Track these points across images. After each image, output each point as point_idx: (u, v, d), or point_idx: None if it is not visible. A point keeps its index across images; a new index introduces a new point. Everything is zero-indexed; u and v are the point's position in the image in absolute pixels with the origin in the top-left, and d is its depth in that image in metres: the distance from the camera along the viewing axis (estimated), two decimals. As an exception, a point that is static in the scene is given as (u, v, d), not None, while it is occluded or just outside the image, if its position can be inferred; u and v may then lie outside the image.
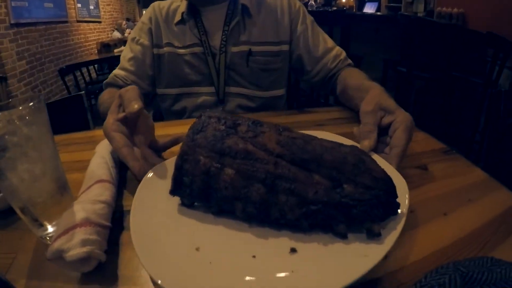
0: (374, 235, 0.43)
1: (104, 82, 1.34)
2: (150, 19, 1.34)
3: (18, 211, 0.55)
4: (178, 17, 1.29)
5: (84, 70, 5.49)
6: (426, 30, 3.65)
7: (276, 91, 1.36)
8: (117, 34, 8.07)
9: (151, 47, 1.32)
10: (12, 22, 5.02)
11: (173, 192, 0.54)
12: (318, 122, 1.02)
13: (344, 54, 1.32)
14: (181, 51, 1.28)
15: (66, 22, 7.01)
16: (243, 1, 1.26)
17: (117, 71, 1.32)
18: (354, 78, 1.12)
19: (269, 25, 1.29)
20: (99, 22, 8.97)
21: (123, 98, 0.68)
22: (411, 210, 0.50)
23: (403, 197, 0.48)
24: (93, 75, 6.13)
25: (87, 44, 8.01)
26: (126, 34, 8.00)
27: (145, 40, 1.32)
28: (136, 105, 0.64)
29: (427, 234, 0.50)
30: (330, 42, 1.34)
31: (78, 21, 7.58)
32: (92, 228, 0.49)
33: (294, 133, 0.55)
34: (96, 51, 5.99)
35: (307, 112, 1.15)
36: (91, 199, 0.56)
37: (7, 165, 0.50)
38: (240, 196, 0.48)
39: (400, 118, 0.69)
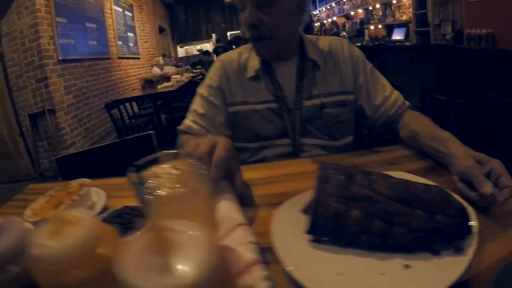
0: (459, 250, 0.59)
1: (179, 128, 1.39)
2: (220, 77, 1.37)
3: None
4: (251, 73, 1.32)
5: (127, 104, 5.65)
6: (460, 57, 3.67)
7: (347, 139, 1.39)
8: (157, 70, 8.36)
9: (224, 106, 1.36)
10: (60, 58, 5.25)
11: (310, 232, 0.67)
12: (389, 161, 1.10)
13: (401, 98, 1.35)
14: (257, 107, 1.32)
15: (109, 58, 7.33)
16: (312, 55, 1.30)
17: (190, 123, 1.37)
18: (421, 125, 1.16)
19: (335, 76, 1.32)
20: (138, 58, 9.42)
21: (216, 146, 0.81)
22: (480, 230, 0.64)
23: (474, 221, 0.65)
24: (135, 109, 6.33)
25: (128, 79, 8.38)
26: (164, 70, 8.25)
27: (216, 100, 1.36)
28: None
29: (493, 246, 0.64)
30: (388, 88, 1.36)
31: (119, 58, 7.95)
32: (262, 265, 0.57)
33: (395, 179, 0.71)
34: (140, 87, 6.18)
35: (375, 152, 1.21)
36: (243, 241, 0.64)
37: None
38: (365, 230, 0.63)
39: (497, 165, 0.79)
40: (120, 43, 8.04)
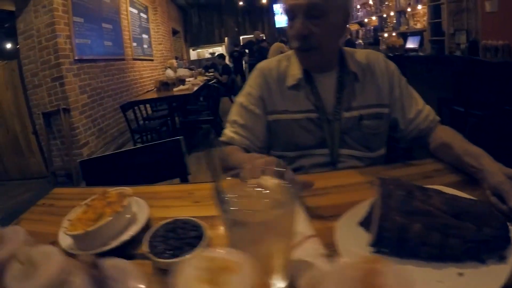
0: (503, 259, 0.65)
1: (222, 140, 1.38)
2: (260, 85, 1.38)
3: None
4: (292, 82, 1.34)
5: (141, 106, 5.65)
6: (478, 69, 3.66)
7: (381, 150, 1.40)
8: (170, 73, 8.36)
9: (264, 115, 1.38)
10: (76, 58, 5.26)
11: (374, 244, 0.72)
12: (425, 175, 1.12)
13: (433, 113, 1.37)
14: (297, 116, 1.33)
15: (123, 59, 7.36)
16: (352, 68, 1.32)
17: (232, 134, 1.37)
18: (453, 140, 1.18)
19: (372, 89, 1.34)
20: (152, 60, 9.48)
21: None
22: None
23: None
24: (149, 111, 6.33)
25: (141, 80, 8.43)
26: (178, 73, 8.26)
27: (256, 109, 1.37)
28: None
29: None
30: (420, 103, 1.38)
31: (134, 59, 7.98)
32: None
33: (447, 194, 0.77)
34: (155, 89, 6.19)
35: (409, 165, 1.22)
36: (316, 253, 0.69)
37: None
38: (425, 242, 0.68)
39: None
40: (135, 44, 8.08)
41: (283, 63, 1.39)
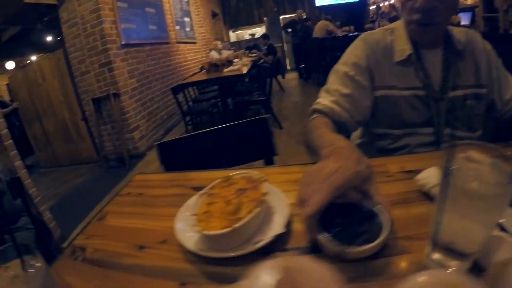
0: None
1: (316, 108, 1.28)
2: (368, 56, 1.30)
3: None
4: (400, 56, 1.28)
5: (190, 88, 5.61)
6: None
7: (479, 131, 1.35)
8: (214, 54, 8.30)
9: (371, 89, 1.31)
10: (123, 42, 5.26)
11: None
12: None
13: None
14: (404, 93, 1.28)
15: (168, 43, 7.35)
16: (458, 46, 1.27)
17: (331, 104, 1.26)
18: None
19: (472, 68, 1.30)
20: (194, 43, 9.46)
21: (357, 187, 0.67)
22: None
23: None
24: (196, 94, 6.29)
25: (186, 63, 8.46)
26: (223, 54, 8.15)
27: (364, 81, 1.29)
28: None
29: None
30: None
31: (178, 42, 7.97)
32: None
33: None
34: (204, 71, 6.12)
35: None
36: None
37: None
38: None
39: None
40: (177, 27, 8.03)
41: (387, 36, 1.32)
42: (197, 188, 0.93)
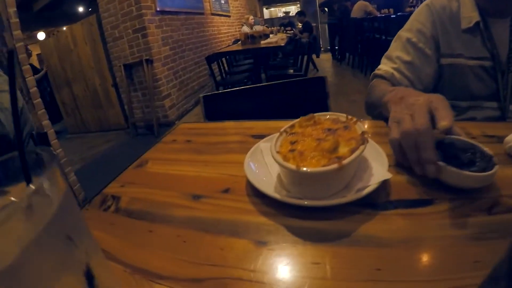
0: None
1: (376, 73, 1.28)
2: (433, 24, 1.24)
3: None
4: (467, 24, 1.19)
5: (223, 60, 5.51)
6: None
7: None
8: (246, 29, 8.12)
9: (435, 57, 1.25)
10: (158, 9, 5.14)
11: None
12: None
13: None
14: (471, 62, 1.20)
15: (203, 14, 7.23)
16: None
17: (392, 70, 1.24)
18: None
19: None
20: (229, 16, 9.34)
21: (435, 110, 0.64)
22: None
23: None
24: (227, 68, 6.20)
25: (219, 36, 8.33)
26: (256, 29, 8.00)
27: (427, 48, 1.24)
28: (445, 123, 0.62)
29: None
30: None
31: (212, 14, 7.85)
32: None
33: None
34: (240, 42, 5.99)
35: None
36: None
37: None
38: None
39: None
40: (212, -1, 7.86)
41: (453, 2, 1.23)
42: (258, 137, 0.79)
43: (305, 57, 4.88)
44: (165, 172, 0.79)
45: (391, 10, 9.56)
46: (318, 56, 9.46)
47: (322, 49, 12.50)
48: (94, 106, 5.73)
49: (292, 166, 0.51)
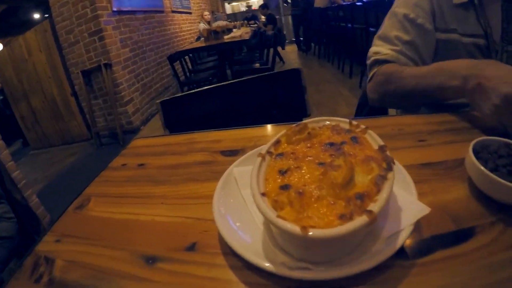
0: None
1: (377, 59, 1.16)
2: None
3: None
4: None
5: (185, 60, 5.34)
6: None
7: None
8: (202, 26, 7.92)
9: (435, 31, 1.18)
10: (114, 9, 4.90)
11: None
12: None
13: None
14: (464, 39, 1.16)
15: (162, 12, 7.00)
16: None
17: (394, 53, 1.15)
18: None
19: None
20: (190, 13, 9.17)
21: None
22: None
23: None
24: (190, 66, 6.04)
25: (181, 34, 8.11)
26: (217, 24, 7.82)
27: (427, 23, 1.16)
28: None
29: None
30: None
31: (173, 11, 7.65)
32: None
33: None
34: (203, 39, 5.79)
35: None
36: None
37: None
38: None
39: None
40: (172, -4, 7.65)
41: None
42: (228, 153, 0.62)
43: (271, 50, 4.78)
44: (110, 216, 0.61)
45: (355, -3, 9.52)
46: (283, 48, 9.38)
47: (287, 41, 12.45)
48: (55, 118, 5.39)
49: (293, 228, 0.33)
